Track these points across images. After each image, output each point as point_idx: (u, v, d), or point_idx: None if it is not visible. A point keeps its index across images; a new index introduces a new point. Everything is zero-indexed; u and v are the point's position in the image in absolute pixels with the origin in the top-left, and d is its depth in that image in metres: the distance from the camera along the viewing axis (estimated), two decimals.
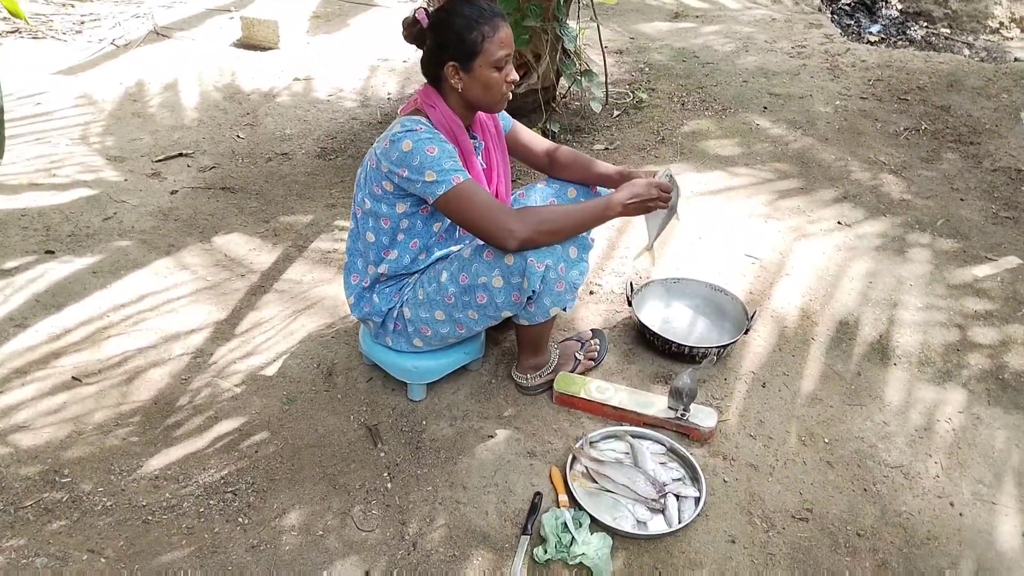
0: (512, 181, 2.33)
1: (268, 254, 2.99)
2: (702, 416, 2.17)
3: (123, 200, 3.28)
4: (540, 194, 2.30)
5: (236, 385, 2.36)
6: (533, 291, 1.98)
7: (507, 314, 2.08)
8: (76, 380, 2.36)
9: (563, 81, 3.91)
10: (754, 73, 4.60)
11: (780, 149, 3.76)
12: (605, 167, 2.25)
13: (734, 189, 3.43)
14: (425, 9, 1.97)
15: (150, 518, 1.96)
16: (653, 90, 4.36)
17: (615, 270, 2.87)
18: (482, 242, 2.00)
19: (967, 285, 2.83)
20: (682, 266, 2.88)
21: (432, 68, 1.99)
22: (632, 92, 4.28)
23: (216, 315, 2.66)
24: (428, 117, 1.98)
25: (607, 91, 4.13)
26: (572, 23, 3.83)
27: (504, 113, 2.26)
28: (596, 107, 3.79)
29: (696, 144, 3.80)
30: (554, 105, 3.94)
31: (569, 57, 3.82)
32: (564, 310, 2.12)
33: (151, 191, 3.37)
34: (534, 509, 1.96)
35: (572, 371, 2.34)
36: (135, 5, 5.49)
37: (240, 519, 1.96)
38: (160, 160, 3.60)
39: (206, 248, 3.02)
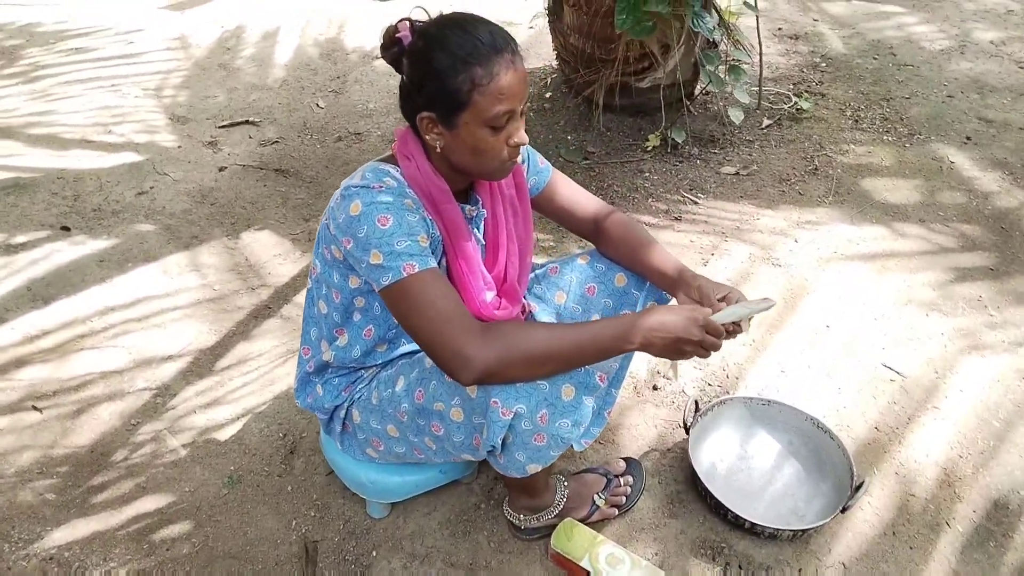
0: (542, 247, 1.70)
1: (292, 264, 2.54)
2: None
3: (166, 172, 2.94)
4: (578, 275, 1.67)
5: (184, 444, 1.95)
6: (493, 446, 1.39)
7: (469, 458, 1.50)
8: (34, 408, 2.03)
9: (703, 77, 3.13)
10: (965, 86, 3.56)
11: (976, 204, 2.82)
12: (662, 258, 1.57)
13: (895, 257, 2.58)
14: (411, 21, 1.36)
15: None
16: (822, 96, 3.47)
17: (696, 361, 2.18)
18: None
19: None
20: (790, 370, 2.15)
21: (407, 109, 1.39)
22: (793, 97, 3.42)
23: (204, 339, 2.25)
24: (401, 170, 1.39)
25: (760, 93, 3.32)
26: (723, 1, 3.02)
27: (539, 158, 1.64)
28: (737, 116, 3.01)
29: (859, 182, 2.93)
30: (685, 107, 3.18)
31: (714, 47, 3.04)
32: (571, 447, 1.51)
33: (199, 164, 3.01)
34: None
35: (586, 519, 1.73)
36: None
37: None
38: (223, 126, 3.23)
39: (229, 246, 2.62)
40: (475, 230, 1.50)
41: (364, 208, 1.31)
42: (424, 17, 1.37)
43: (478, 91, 1.26)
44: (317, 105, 3.42)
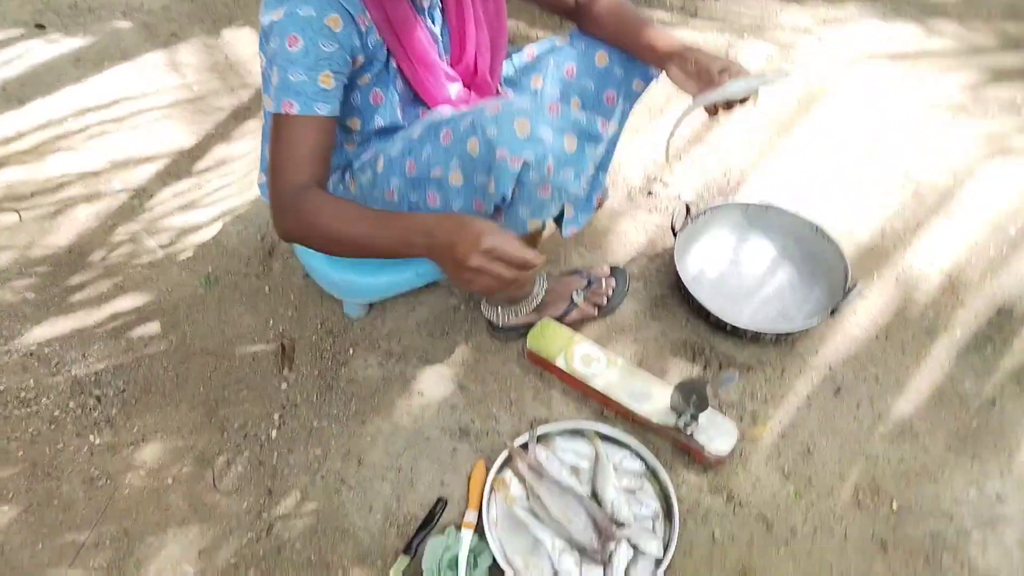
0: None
1: None
2: (714, 433, 1.49)
3: None
4: (556, 56, 1.53)
5: (161, 245, 1.91)
6: (504, 197, 1.30)
7: None
8: (15, 211, 1.99)
9: None
10: None
11: None
12: (654, 33, 1.42)
13: (926, 57, 2.36)
14: None
15: (1, 410, 1.62)
16: None
17: (698, 163, 2.06)
18: (438, 118, 1.32)
19: None
20: (797, 174, 2.02)
21: None
22: None
23: (181, 141, 2.16)
24: None
25: None
26: None
27: None
28: None
29: None
30: None
31: None
32: (560, 232, 1.44)
33: None
34: (428, 520, 1.44)
35: (563, 317, 1.69)
36: None
37: (91, 436, 1.58)
38: None
39: (209, 44, 2.47)
40: (428, 21, 1.34)
41: (283, 17, 1.17)
42: None
43: None
44: None
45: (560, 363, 1.59)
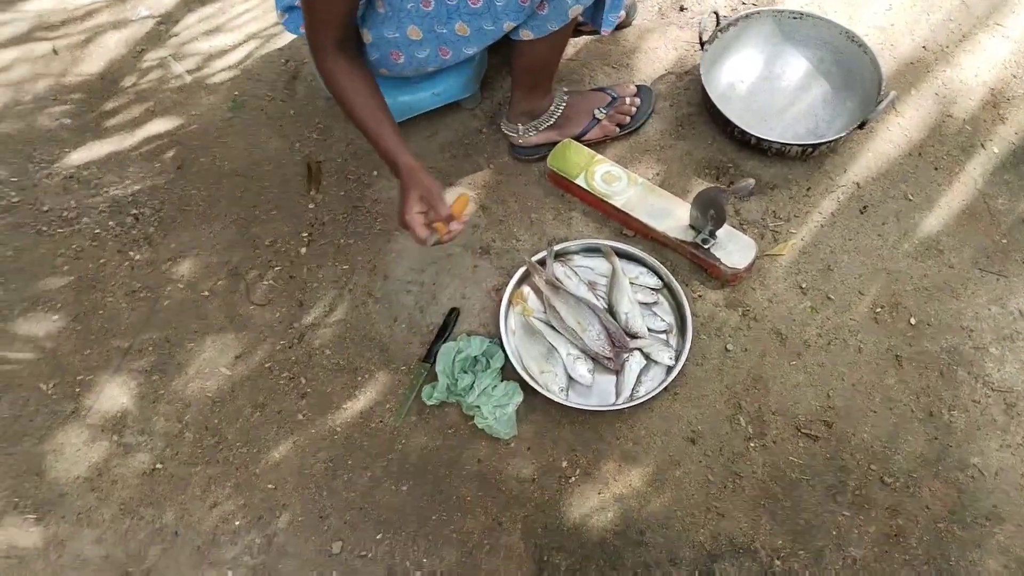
0: None
1: None
2: (732, 248, 1.50)
3: None
4: None
5: (189, 71, 1.92)
6: None
7: (509, 25, 1.37)
8: (43, 38, 2.01)
9: None
10: None
11: None
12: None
13: None
14: None
15: (45, 229, 1.71)
16: None
17: None
18: None
19: None
20: None
21: None
22: None
23: None
24: None
25: None
26: None
27: None
28: None
29: None
30: None
31: None
32: (598, 31, 1.43)
33: None
34: (444, 330, 1.50)
35: (584, 134, 1.67)
36: None
37: (132, 252, 1.66)
38: None
39: None
40: None
41: None
42: None
43: None
44: None
45: (580, 182, 1.59)
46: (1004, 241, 1.55)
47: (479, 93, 1.76)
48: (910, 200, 1.60)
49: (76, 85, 1.93)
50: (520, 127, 1.64)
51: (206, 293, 1.60)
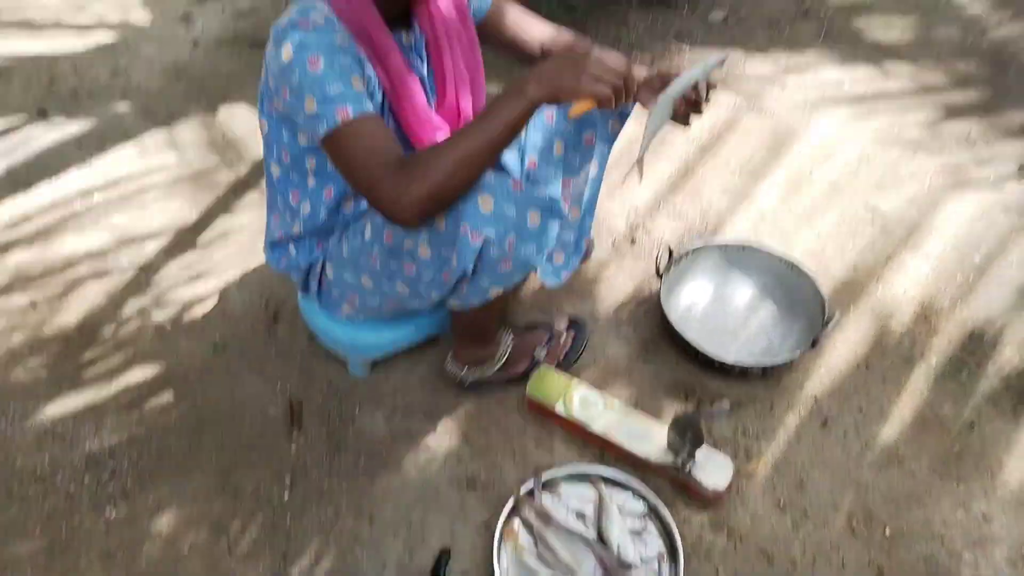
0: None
1: None
2: (711, 468, 1.56)
3: (139, 51, 2.87)
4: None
5: (169, 318, 1.98)
6: (464, 271, 1.37)
7: (436, 297, 1.50)
8: (21, 290, 2.07)
9: None
10: None
11: (971, 39, 2.71)
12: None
13: (883, 98, 2.50)
14: None
15: (17, 489, 1.67)
16: None
17: (675, 210, 2.17)
18: None
19: None
20: (770, 215, 2.13)
21: None
22: None
23: (184, 215, 2.25)
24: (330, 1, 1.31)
25: None
26: None
27: None
28: None
29: (851, 21, 2.81)
30: None
31: None
32: (543, 284, 1.53)
33: (173, 40, 2.93)
34: (436, 572, 1.50)
35: (526, 373, 1.76)
36: None
37: (108, 509, 1.63)
38: None
39: (206, 121, 2.58)
40: (416, 59, 1.44)
41: (294, 51, 1.24)
42: None
43: None
44: None
45: (559, 409, 1.66)
46: (956, 447, 1.66)
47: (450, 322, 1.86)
48: (864, 413, 1.72)
49: (53, 336, 1.96)
50: (465, 369, 1.73)
51: (186, 550, 1.57)
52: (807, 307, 1.82)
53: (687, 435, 1.53)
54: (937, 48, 2.68)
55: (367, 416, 1.76)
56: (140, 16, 3.08)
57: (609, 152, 1.67)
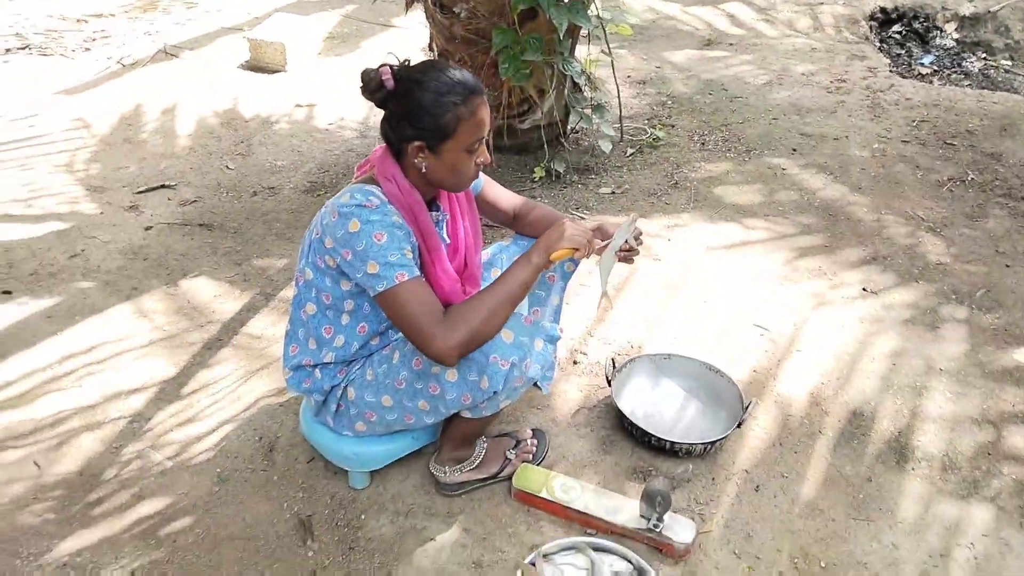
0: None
1: (234, 301, 2.78)
2: (678, 528, 1.88)
3: (94, 236, 3.11)
4: (507, 253, 2.08)
5: (168, 457, 2.15)
6: (495, 391, 1.74)
7: (451, 412, 1.82)
8: (13, 447, 2.17)
9: (574, 116, 3.63)
10: (786, 109, 4.27)
11: (806, 199, 3.43)
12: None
13: (749, 244, 3.12)
14: (391, 67, 1.71)
15: None
16: (672, 127, 4.07)
17: (606, 337, 2.59)
18: None
19: (1007, 372, 2.48)
20: (681, 336, 2.59)
21: (393, 139, 1.73)
22: (649, 129, 3.99)
23: (164, 372, 2.45)
24: (382, 189, 1.73)
25: (621, 127, 3.86)
26: (583, 54, 3.58)
27: None
28: (606, 146, 3.53)
29: (712, 190, 3.49)
30: (561, 143, 3.67)
31: (579, 91, 3.55)
32: (539, 389, 1.88)
33: (125, 226, 3.19)
34: None
35: (499, 473, 2.06)
36: (148, 23, 5.38)
37: None
38: (141, 192, 3.43)
39: (170, 293, 2.82)
40: (441, 232, 1.86)
41: (362, 226, 1.64)
42: (395, 63, 1.72)
43: (462, 124, 1.64)
44: (227, 167, 3.67)
45: (545, 495, 1.96)
46: (861, 496, 2.06)
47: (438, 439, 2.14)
48: (786, 478, 2.11)
49: (55, 483, 2.07)
50: (447, 469, 2.01)
51: None
52: (728, 399, 2.24)
53: (656, 501, 1.85)
54: (782, 207, 3.36)
55: (373, 520, 1.97)
56: (89, 207, 3.34)
57: (566, 286, 2.10)
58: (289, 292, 2.80)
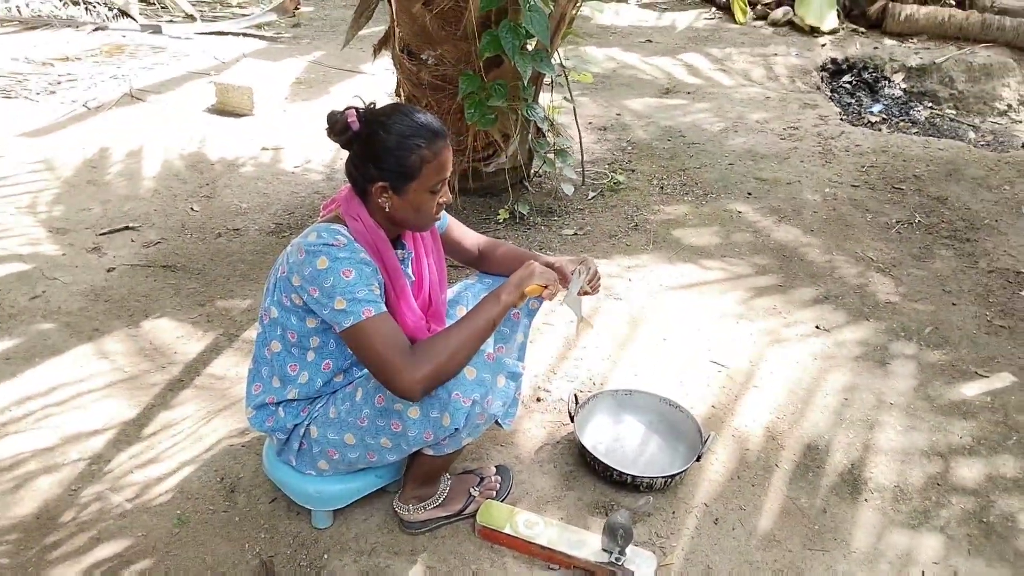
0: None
1: (196, 343, 2.77)
2: (639, 561, 1.91)
3: (55, 277, 3.10)
4: (472, 291, 2.11)
5: (128, 499, 2.13)
6: (456, 428, 1.76)
7: (413, 449, 1.84)
8: None
9: (537, 160, 3.72)
10: (741, 155, 4.41)
11: (761, 240, 3.53)
12: (530, 258, 2.02)
13: (706, 284, 3.20)
14: (357, 110, 1.76)
15: None
16: (632, 171, 4.18)
17: (568, 374, 2.64)
18: None
19: (954, 406, 2.57)
20: (641, 372, 2.64)
21: (359, 180, 1.78)
22: (610, 173, 4.10)
23: (125, 413, 2.44)
24: (348, 227, 1.77)
25: (583, 172, 3.96)
26: (546, 101, 3.68)
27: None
28: (568, 189, 3.62)
29: (670, 232, 3.58)
30: (525, 185, 3.76)
31: (543, 136, 3.65)
32: (500, 427, 1.90)
33: (87, 268, 3.19)
34: None
35: (463, 510, 2.07)
36: (114, 66, 5.41)
37: None
38: (104, 233, 3.43)
39: (131, 334, 2.81)
40: (406, 269, 1.89)
41: (331, 263, 1.67)
42: (361, 106, 1.78)
43: (426, 167, 1.70)
44: (192, 209, 3.69)
45: (508, 530, 1.97)
46: (816, 527, 2.11)
47: (401, 478, 2.15)
48: (744, 510, 2.15)
49: (11, 527, 2.04)
50: (411, 507, 2.02)
51: None
52: (687, 433, 2.29)
53: (618, 535, 1.88)
54: (738, 248, 3.46)
55: (336, 560, 1.97)
56: (51, 248, 3.33)
57: (531, 324, 2.15)
58: (253, 333, 2.80)
